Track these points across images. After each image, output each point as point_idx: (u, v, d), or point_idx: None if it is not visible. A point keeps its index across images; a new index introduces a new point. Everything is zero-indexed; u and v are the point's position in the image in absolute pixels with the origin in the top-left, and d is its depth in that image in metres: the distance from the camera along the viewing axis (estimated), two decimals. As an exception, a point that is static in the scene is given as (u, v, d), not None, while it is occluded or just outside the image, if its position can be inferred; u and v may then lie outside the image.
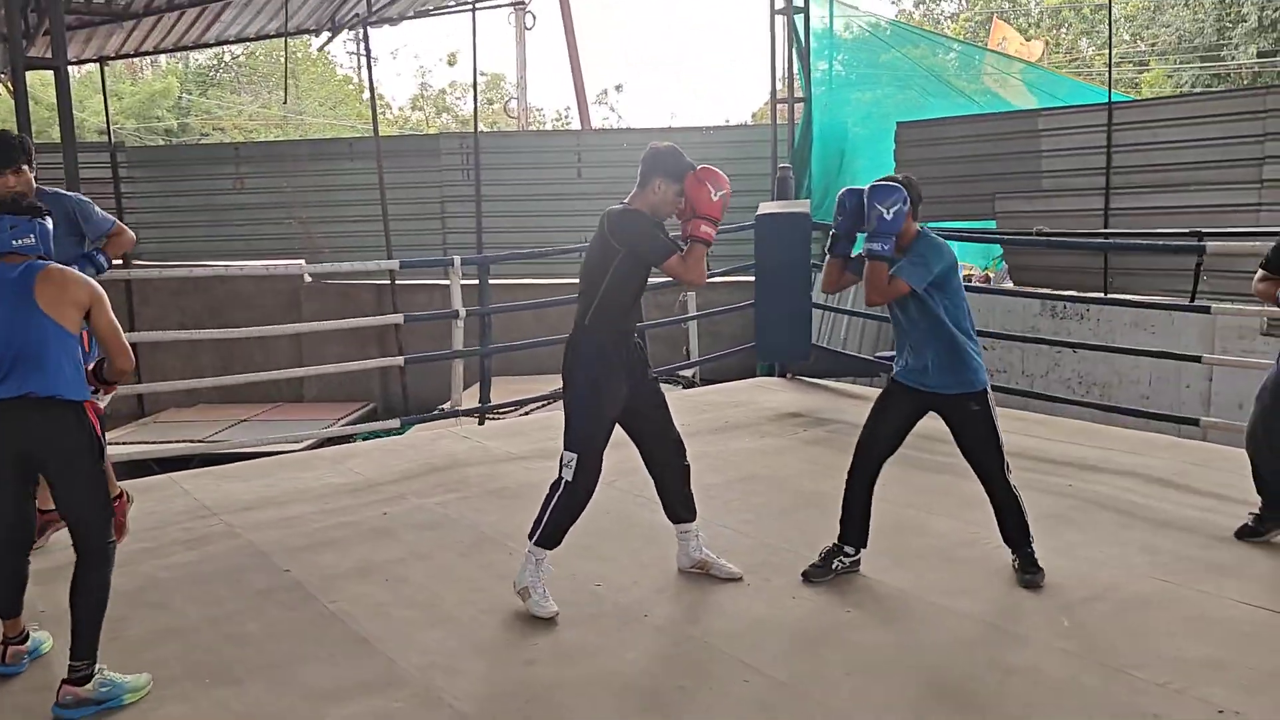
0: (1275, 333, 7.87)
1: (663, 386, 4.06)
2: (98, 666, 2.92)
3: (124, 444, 10.13)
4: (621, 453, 5.63)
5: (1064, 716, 2.77)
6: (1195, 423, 5.86)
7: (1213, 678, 2.95)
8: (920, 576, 3.78)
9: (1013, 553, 3.76)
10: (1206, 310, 5.72)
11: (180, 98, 30.05)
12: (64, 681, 2.88)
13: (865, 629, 3.36)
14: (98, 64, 14.74)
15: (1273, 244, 4.09)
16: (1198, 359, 5.88)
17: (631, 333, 3.65)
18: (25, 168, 3.98)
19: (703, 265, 3.53)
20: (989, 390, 3.72)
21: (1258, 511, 4.09)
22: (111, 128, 14.62)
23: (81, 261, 3.98)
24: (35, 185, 4.06)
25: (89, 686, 2.88)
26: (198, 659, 3.23)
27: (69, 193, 4.31)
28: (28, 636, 3.19)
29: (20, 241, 3.06)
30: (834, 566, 3.77)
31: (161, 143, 26.30)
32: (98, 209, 4.28)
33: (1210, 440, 6.17)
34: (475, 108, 9.49)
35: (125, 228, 4.38)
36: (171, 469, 5.87)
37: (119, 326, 3.16)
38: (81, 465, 2.97)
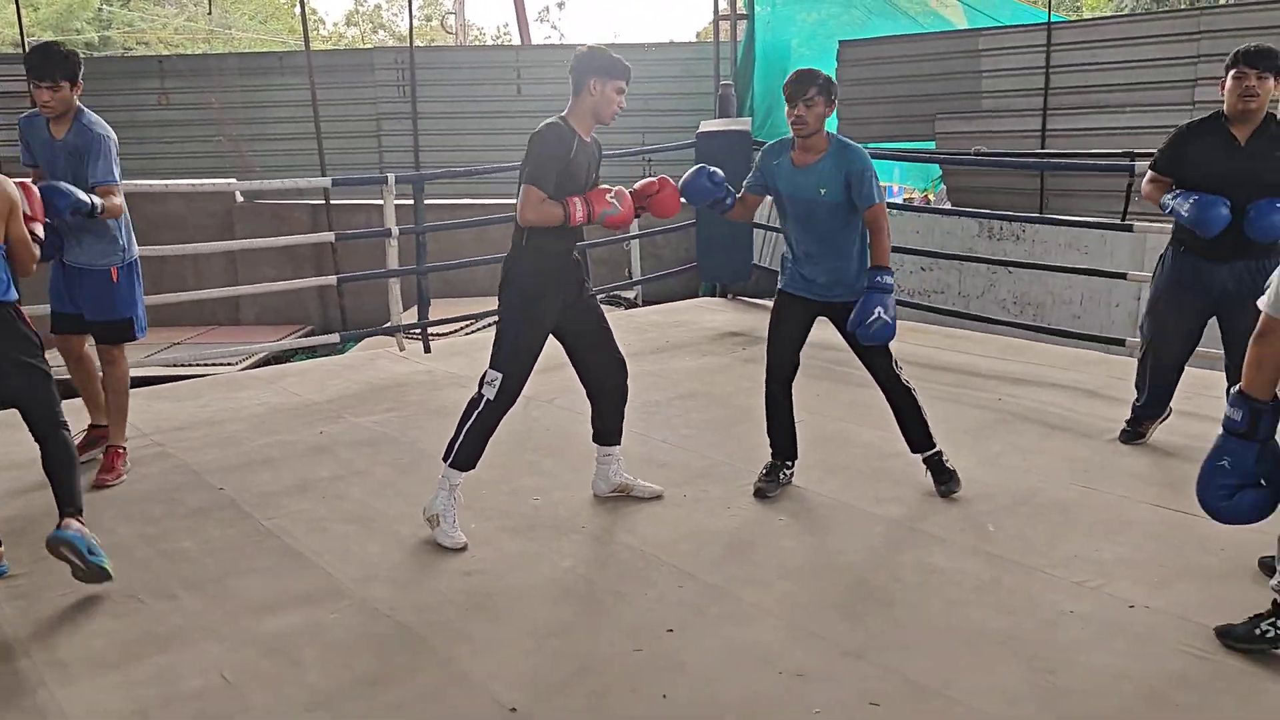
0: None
1: (605, 307, 4.04)
2: None
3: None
4: (565, 372, 5.63)
5: (984, 612, 2.89)
6: (1121, 343, 6.02)
7: (1125, 575, 3.09)
8: (849, 486, 3.88)
9: (922, 460, 3.82)
10: (1130, 229, 5.83)
11: (100, 9, 28.63)
12: (64, 517, 3.11)
13: (797, 536, 3.45)
14: (8, -30, 13.95)
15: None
16: (1123, 276, 6.02)
17: (567, 252, 3.55)
18: (65, 83, 3.78)
19: (545, 217, 3.33)
20: None
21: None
22: (26, 39, 13.87)
23: (59, 196, 3.58)
24: (78, 106, 3.85)
25: (81, 524, 3.11)
26: (132, 575, 3.20)
27: (104, 133, 3.96)
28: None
29: None
30: (780, 479, 3.85)
31: (82, 55, 25.11)
32: (110, 160, 3.94)
33: (1136, 357, 6.36)
34: (410, 20, 9.21)
35: (117, 197, 3.95)
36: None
37: (26, 235, 3.20)
38: (24, 357, 3.16)
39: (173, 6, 31.32)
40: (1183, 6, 18.64)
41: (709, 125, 7.34)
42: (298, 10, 20.67)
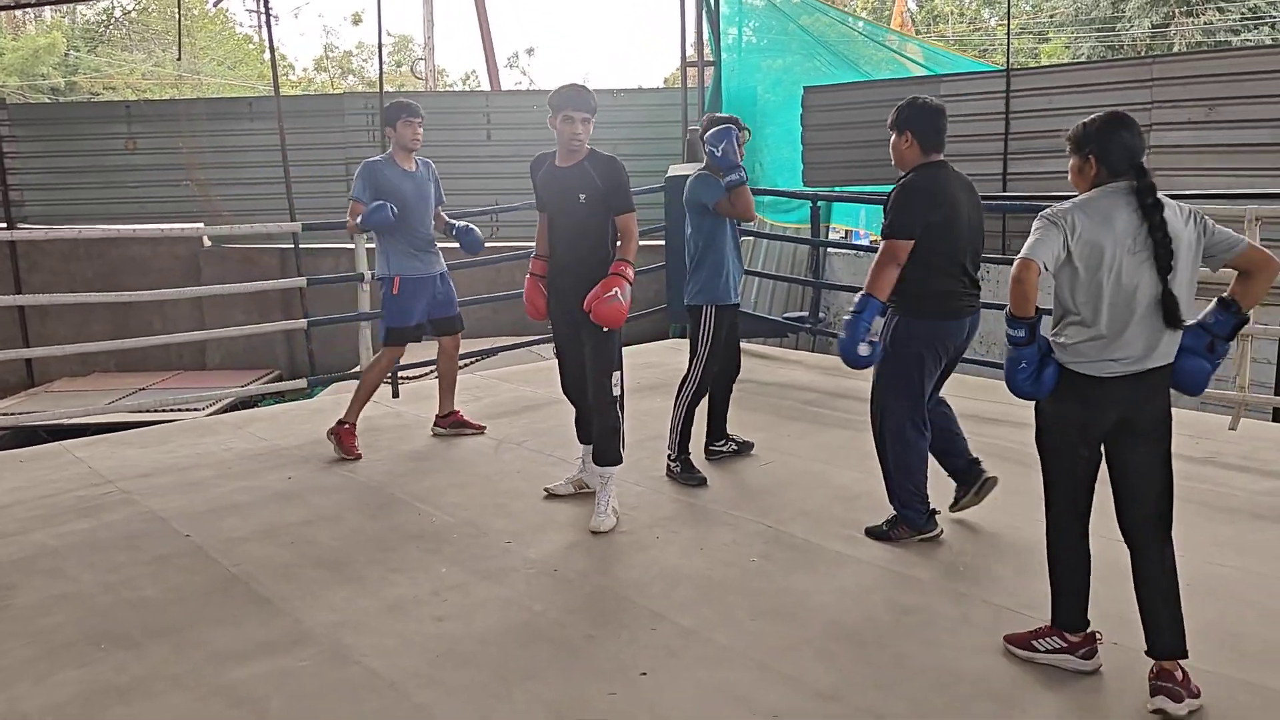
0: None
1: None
2: None
3: (9, 414, 9.71)
4: (533, 414, 5.62)
5: (956, 652, 2.89)
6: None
7: (1094, 612, 3.10)
8: (821, 526, 3.89)
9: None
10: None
11: (67, 54, 28.58)
12: None
13: (769, 577, 3.45)
14: (-26, 16, 13.90)
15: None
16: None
17: (559, 272, 4.08)
18: None
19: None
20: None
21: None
22: (-10, 85, 13.80)
23: None
24: None
25: None
26: (94, 624, 3.14)
27: None
28: None
29: None
30: (725, 449, 4.77)
31: (47, 101, 25.01)
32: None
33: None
34: (380, 65, 9.27)
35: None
36: (64, 439, 5.65)
37: None
38: None
39: (140, 52, 31.32)
40: (1136, 55, 19.19)
41: (677, 169, 7.43)
42: (266, 56, 20.75)
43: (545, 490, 4.34)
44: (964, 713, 2.59)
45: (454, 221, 5.43)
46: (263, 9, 17.47)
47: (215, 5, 29.63)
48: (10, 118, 13.66)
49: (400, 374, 6.65)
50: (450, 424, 5.36)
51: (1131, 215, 2.62)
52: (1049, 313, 2.78)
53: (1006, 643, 2.92)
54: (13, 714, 2.65)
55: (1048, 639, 2.84)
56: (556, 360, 4.30)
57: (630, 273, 3.87)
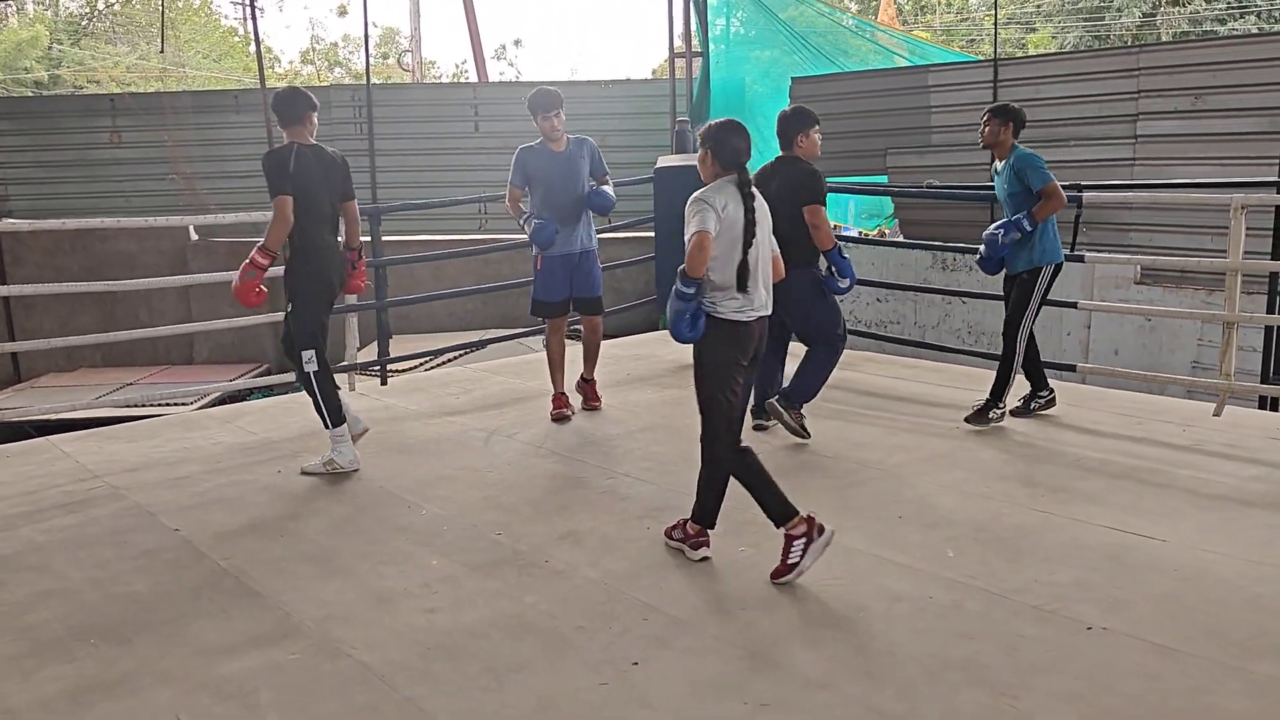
0: (1148, 281, 8.29)
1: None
2: None
3: (-1, 411, 9.63)
4: (523, 406, 5.61)
5: (946, 639, 2.90)
6: (1073, 368, 6.15)
7: (1082, 598, 3.13)
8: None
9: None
10: (1081, 259, 5.97)
11: (50, 48, 28.35)
12: None
13: (758, 566, 3.45)
14: (-45, 8, 13.79)
15: None
16: (1074, 305, 6.15)
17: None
18: None
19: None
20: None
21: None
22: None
23: None
24: None
25: None
26: (82, 620, 3.13)
27: None
28: None
29: None
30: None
31: (30, 95, 24.80)
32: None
33: (1088, 383, 6.49)
34: (367, 57, 9.20)
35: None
36: (51, 434, 5.62)
37: None
38: None
39: (124, 45, 31.09)
40: (1124, 44, 19.22)
41: (666, 161, 7.41)
42: (252, 48, 20.61)
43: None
44: (954, 700, 2.60)
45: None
46: (248, 1, 17.35)
47: (200, -3, 29.42)
48: (-6, 111, 13.56)
49: (390, 366, 6.63)
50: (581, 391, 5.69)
51: (740, 201, 3.38)
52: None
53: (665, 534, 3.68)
54: (3, 710, 2.64)
55: (681, 530, 3.62)
56: None
57: (257, 255, 4.59)
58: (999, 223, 4.91)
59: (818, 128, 4.90)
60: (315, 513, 4.07)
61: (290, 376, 6.67)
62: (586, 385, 5.66)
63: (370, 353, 7.29)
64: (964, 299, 8.42)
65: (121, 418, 6.84)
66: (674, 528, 3.66)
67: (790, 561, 3.29)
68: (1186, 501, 3.96)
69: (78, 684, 2.76)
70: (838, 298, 4.90)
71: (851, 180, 10.10)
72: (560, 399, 5.47)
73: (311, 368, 4.47)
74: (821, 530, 3.30)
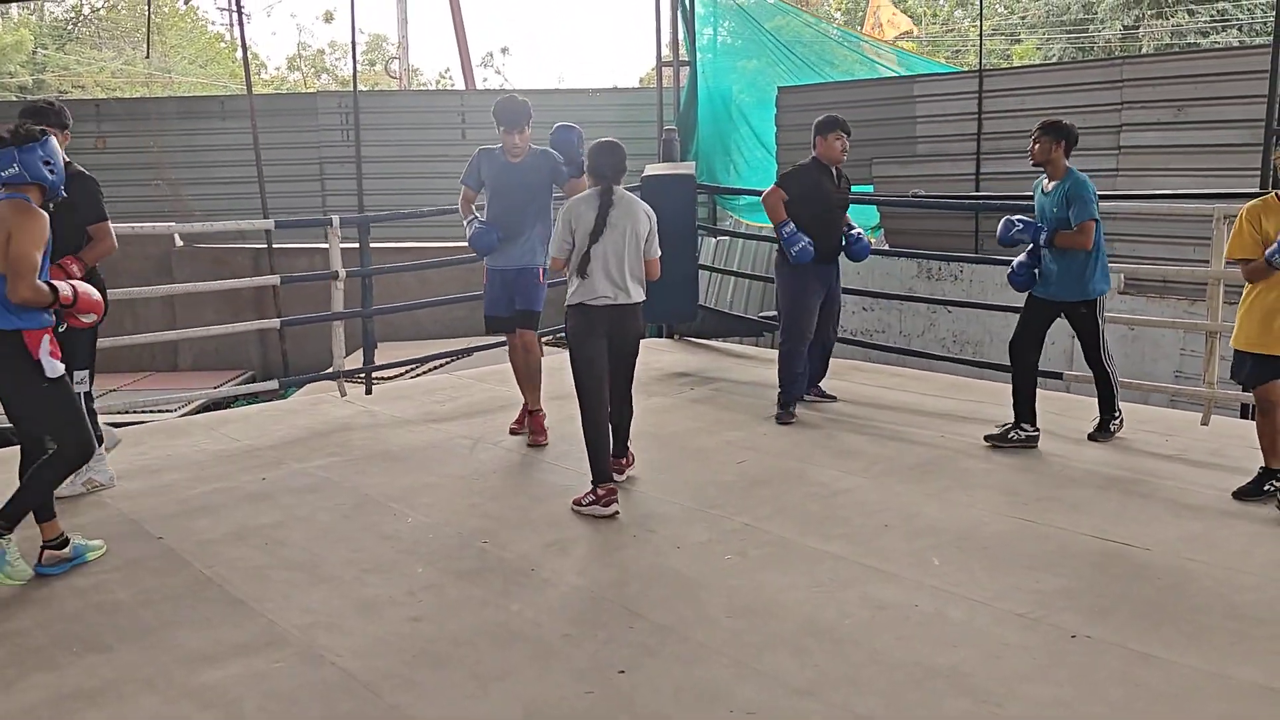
0: (1131, 290, 8.35)
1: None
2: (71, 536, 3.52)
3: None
4: (508, 414, 5.60)
5: (930, 647, 2.91)
6: (1059, 376, 6.18)
7: (1066, 605, 3.15)
8: (796, 523, 3.91)
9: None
10: (1066, 268, 6.00)
11: (35, 52, 28.22)
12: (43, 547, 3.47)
13: (745, 574, 3.46)
14: (-61, 12, 13.70)
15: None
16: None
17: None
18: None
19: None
20: None
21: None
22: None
23: None
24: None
25: (66, 550, 3.51)
26: (63, 628, 3.10)
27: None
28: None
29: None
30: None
31: (14, 99, 24.65)
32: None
33: (1072, 392, 6.52)
34: (354, 62, 9.20)
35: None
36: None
37: (32, 259, 3.23)
38: (26, 385, 3.31)
39: (109, 50, 30.96)
40: (1106, 56, 19.40)
41: (653, 169, 7.43)
42: (239, 54, 20.55)
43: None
44: (939, 708, 2.60)
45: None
46: (234, 7, 17.31)
47: (186, 2, 29.35)
48: (-24, 116, 13.47)
49: (375, 374, 6.62)
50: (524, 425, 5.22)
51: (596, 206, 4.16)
52: None
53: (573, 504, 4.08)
54: (-20, 719, 2.62)
55: (589, 495, 4.02)
56: None
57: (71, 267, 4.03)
58: (1023, 226, 4.81)
59: (837, 132, 5.62)
60: (300, 520, 4.05)
61: (274, 384, 6.65)
62: (532, 417, 5.15)
63: (356, 360, 7.27)
64: (949, 308, 8.47)
65: (106, 424, 6.79)
66: (581, 499, 4.09)
67: (581, 502, 4.04)
68: (1169, 510, 3.99)
69: (60, 692, 2.74)
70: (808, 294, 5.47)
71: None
72: (525, 418, 5.18)
73: (84, 388, 4.18)
74: (609, 503, 3.98)
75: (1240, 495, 4.04)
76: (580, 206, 4.18)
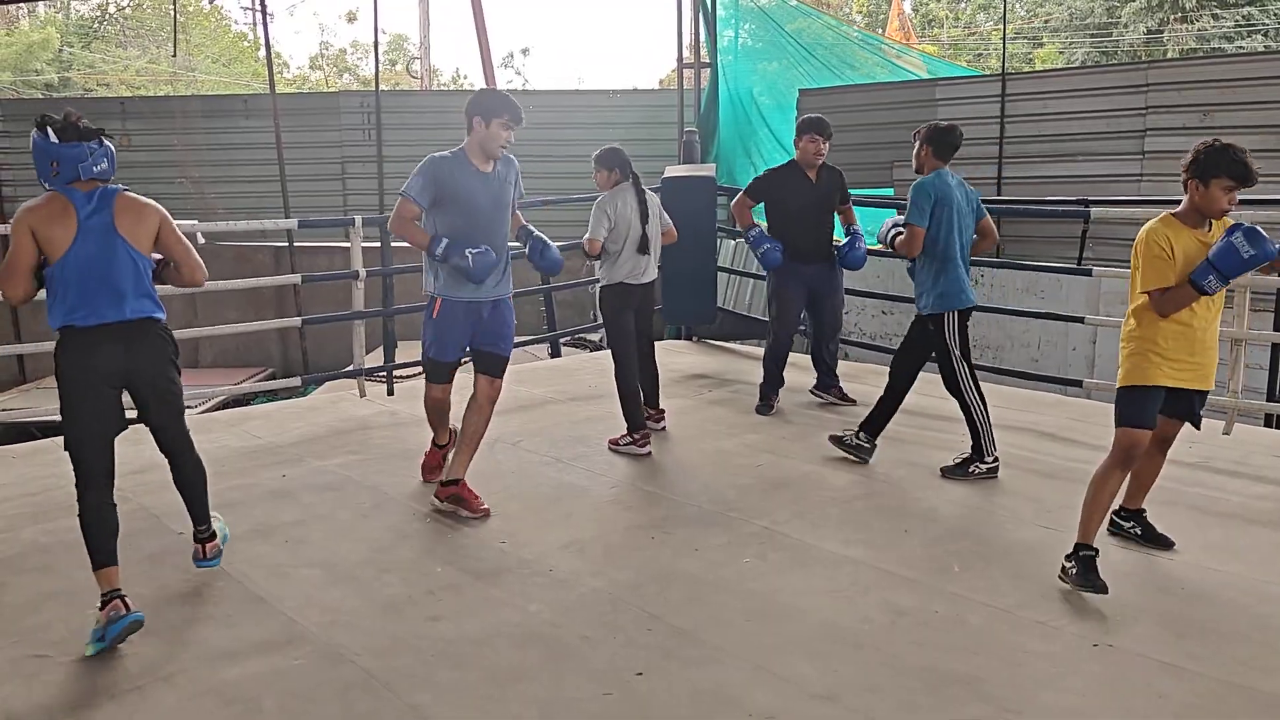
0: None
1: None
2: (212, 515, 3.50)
3: (1, 411, 9.67)
4: (527, 414, 5.61)
5: (950, 653, 2.90)
6: (1079, 384, 6.14)
7: (1088, 614, 3.12)
8: (816, 527, 3.89)
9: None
10: (1088, 273, 5.97)
11: (61, 50, 28.49)
12: (198, 543, 3.44)
13: (763, 577, 3.45)
14: (-33, 11, 13.87)
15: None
16: (1080, 320, 6.14)
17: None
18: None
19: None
20: None
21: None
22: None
23: None
24: None
25: (216, 542, 3.47)
26: (85, 623, 3.11)
27: None
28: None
29: (98, 168, 3.18)
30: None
31: (40, 97, 24.90)
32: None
33: (1093, 399, 6.47)
34: (376, 62, 9.27)
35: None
36: (56, 436, 5.62)
37: (188, 242, 3.33)
38: (174, 374, 3.37)
39: (135, 48, 31.23)
40: (1131, 60, 19.25)
41: (674, 170, 7.42)
42: (262, 53, 20.70)
43: None
44: (957, 715, 2.59)
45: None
46: (258, 6, 17.43)
47: (210, 2, 29.56)
48: (3, 114, 13.64)
49: (397, 372, 6.64)
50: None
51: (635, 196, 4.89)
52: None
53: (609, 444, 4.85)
54: (4, 714, 2.64)
55: (626, 437, 4.78)
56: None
57: None
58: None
59: (810, 135, 5.61)
60: (320, 518, 4.07)
61: (295, 381, 6.69)
62: (442, 450, 4.52)
63: (376, 359, 7.30)
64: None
65: (128, 420, 6.85)
66: (619, 439, 4.81)
67: (619, 442, 4.81)
68: (1191, 519, 3.95)
69: (79, 688, 2.76)
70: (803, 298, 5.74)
71: (857, 193, 10.11)
72: (437, 453, 4.53)
73: None
74: (644, 444, 4.79)
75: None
76: (618, 199, 4.82)
